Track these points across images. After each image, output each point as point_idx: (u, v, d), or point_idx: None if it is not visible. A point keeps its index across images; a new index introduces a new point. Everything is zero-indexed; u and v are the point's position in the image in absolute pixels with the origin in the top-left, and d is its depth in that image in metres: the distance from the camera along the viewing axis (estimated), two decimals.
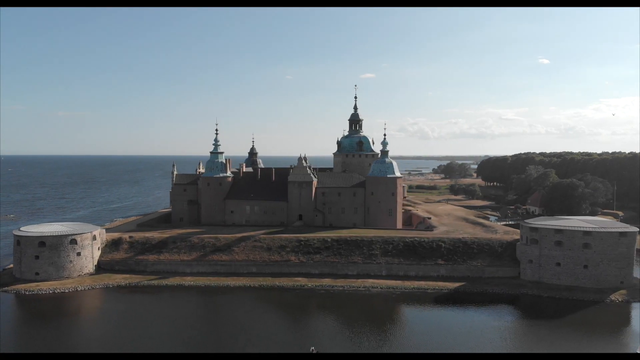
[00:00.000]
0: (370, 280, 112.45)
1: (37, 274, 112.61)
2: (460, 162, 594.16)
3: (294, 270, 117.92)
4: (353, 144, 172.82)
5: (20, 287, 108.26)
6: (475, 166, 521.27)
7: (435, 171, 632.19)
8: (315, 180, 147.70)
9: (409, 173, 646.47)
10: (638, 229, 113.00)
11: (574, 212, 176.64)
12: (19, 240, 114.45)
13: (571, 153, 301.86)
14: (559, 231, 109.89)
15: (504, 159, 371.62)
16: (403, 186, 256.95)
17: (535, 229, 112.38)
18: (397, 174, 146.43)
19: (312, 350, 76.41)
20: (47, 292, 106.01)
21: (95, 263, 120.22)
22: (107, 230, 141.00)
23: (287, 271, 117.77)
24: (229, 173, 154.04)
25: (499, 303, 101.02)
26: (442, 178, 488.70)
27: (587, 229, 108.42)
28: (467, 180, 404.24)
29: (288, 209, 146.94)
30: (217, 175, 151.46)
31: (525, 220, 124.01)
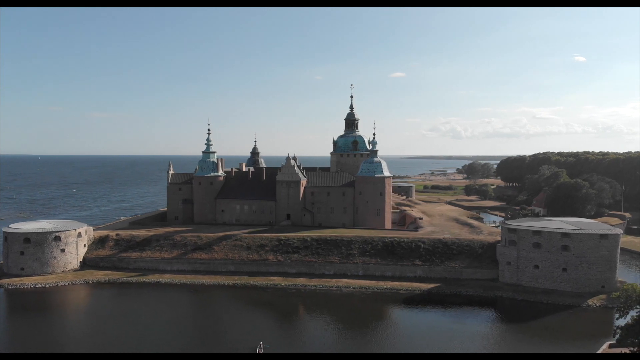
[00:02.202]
0: (345, 280, 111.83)
1: (22, 269, 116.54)
2: (483, 162, 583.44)
3: (272, 269, 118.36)
4: (348, 144, 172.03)
5: (5, 281, 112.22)
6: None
7: (459, 171, 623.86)
8: (304, 180, 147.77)
9: (432, 173, 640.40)
10: (622, 232, 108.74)
11: (578, 213, 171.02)
12: (6, 237, 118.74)
13: (587, 152, 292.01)
14: (537, 232, 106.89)
15: (522, 158, 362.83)
16: (411, 186, 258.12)
17: (513, 230, 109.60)
18: (386, 173, 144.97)
19: (260, 345, 76.74)
20: (29, 287, 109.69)
21: (81, 259, 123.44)
22: (106, 228, 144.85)
23: (264, 270, 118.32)
24: (220, 172, 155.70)
25: (470, 305, 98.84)
26: (463, 178, 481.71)
27: (566, 231, 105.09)
28: (487, 181, 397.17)
29: (276, 208, 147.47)
30: (209, 175, 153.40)
31: (505, 222, 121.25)
